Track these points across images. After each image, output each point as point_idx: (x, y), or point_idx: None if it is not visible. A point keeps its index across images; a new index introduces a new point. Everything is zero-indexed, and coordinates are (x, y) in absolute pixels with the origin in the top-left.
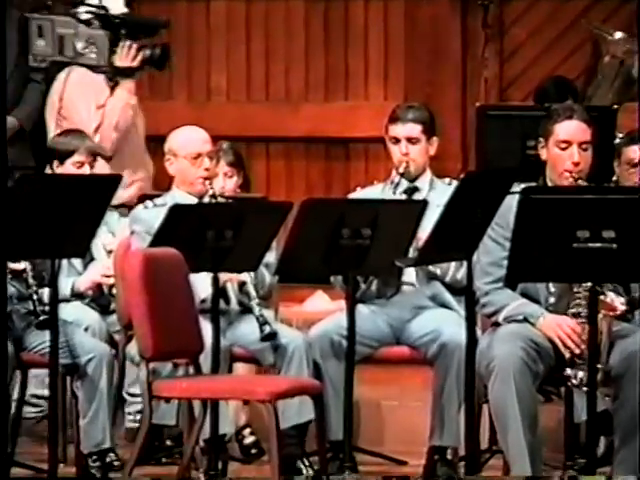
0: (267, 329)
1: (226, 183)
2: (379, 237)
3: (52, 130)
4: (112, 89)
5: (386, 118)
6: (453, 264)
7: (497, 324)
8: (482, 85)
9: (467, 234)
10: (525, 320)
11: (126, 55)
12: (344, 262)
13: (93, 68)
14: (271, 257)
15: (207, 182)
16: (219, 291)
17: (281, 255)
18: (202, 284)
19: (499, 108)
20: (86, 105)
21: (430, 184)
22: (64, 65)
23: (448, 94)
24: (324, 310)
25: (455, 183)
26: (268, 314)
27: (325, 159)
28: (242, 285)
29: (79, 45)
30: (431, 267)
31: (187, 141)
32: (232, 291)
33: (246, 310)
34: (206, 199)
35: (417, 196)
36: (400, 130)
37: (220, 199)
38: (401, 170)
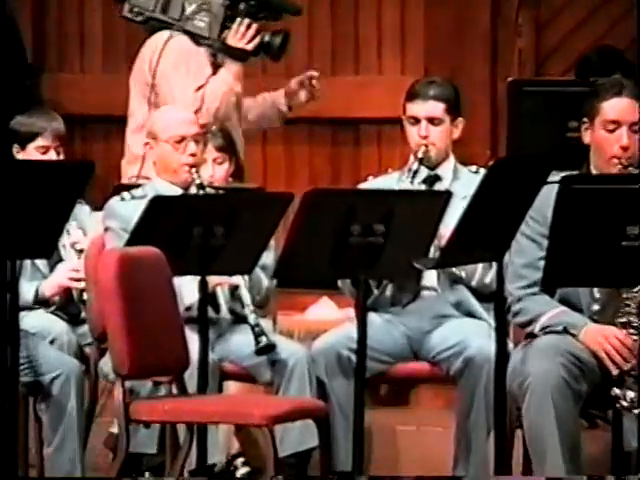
0: (263, 341)
1: (215, 171)
2: (394, 234)
3: (137, 108)
4: (214, 69)
5: (403, 95)
6: (481, 266)
7: (532, 335)
8: (515, 57)
9: (497, 231)
10: (565, 331)
11: (242, 35)
12: (353, 263)
13: (199, 39)
14: (268, 258)
15: (193, 170)
16: (207, 297)
17: (280, 255)
18: (188, 289)
19: (535, 83)
20: (183, 83)
21: (454, 172)
22: (163, 27)
23: (475, 67)
24: (330, 319)
25: (483, 171)
26: (265, 324)
27: (331, 143)
28: (234, 290)
29: (189, 8)
30: (455, 269)
31: (169, 122)
32: (223, 297)
33: (239, 319)
34: (192, 190)
35: (439, 186)
36: (420, 109)
37: (209, 190)
38: (420, 155)
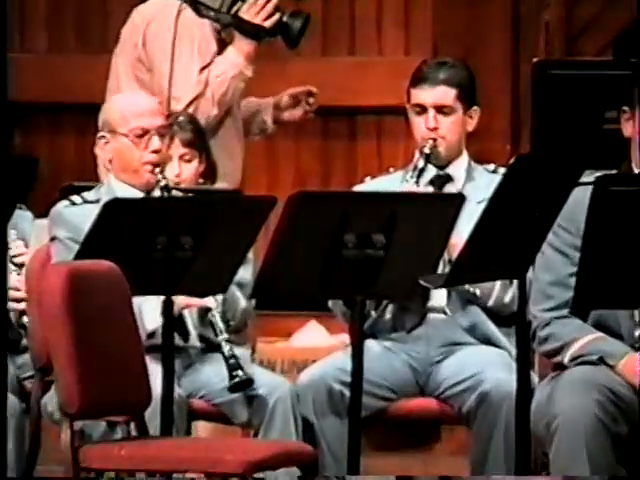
0: (239, 375)
1: (183, 170)
2: (397, 246)
3: (125, 91)
4: (221, 47)
5: (407, 79)
6: (499, 283)
7: (561, 367)
8: (542, 33)
9: (519, 242)
10: (601, 361)
11: (260, 8)
12: (348, 281)
13: (203, 9)
14: (246, 274)
15: (157, 170)
16: (173, 321)
17: (260, 271)
18: (150, 311)
19: (565, 65)
20: (186, 61)
21: (467, 172)
22: None
23: (493, 46)
24: (319, 347)
25: (502, 171)
26: (241, 353)
27: (322, 137)
28: (205, 314)
29: None
30: (469, 287)
31: (129, 112)
32: (192, 321)
33: (211, 347)
34: (156, 193)
35: (449, 188)
36: (427, 95)
37: (175, 192)
38: (427, 151)
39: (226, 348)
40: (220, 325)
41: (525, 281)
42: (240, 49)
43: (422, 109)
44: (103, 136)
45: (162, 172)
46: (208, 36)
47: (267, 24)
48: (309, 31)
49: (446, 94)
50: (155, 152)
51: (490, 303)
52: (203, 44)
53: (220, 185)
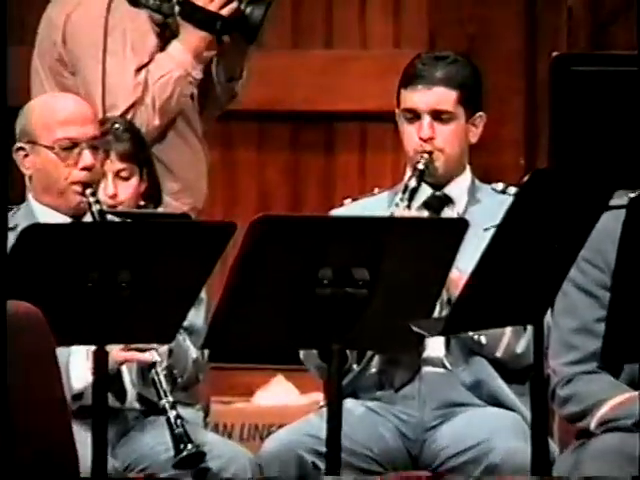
0: (188, 448)
1: (119, 190)
2: (383, 283)
3: (39, 89)
4: (163, 42)
5: (397, 78)
6: (510, 329)
7: (587, 434)
8: (563, 21)
9: (534, 279)
10: (637, 427)
11: None
12: (322, 326)
13: None
14: (198, 318)
15: (88, 191)
16: (107, 379)
17: (215, 314)
18: (78, 366)
19: (591, 60)
20: (118, 61)
21: (471, 192)
22: None
23: (503, 37)
24: (287, 408)
25: (514, 191)
26: (191, 416)
27: (291, 148)
28: (148, 370)
29: None
30: (473, 334)
31: (53, 118)
32: (130, 379)
33: (152, 410)
34: (86, 218)
35: (448, 212)
36: (421, 98)
37: (110, 217)
38: (421, 166)
39: (172, 414)
40: (165, 386)
41: (542, 327)
42: (187, 44)
43: (415, 115)
44: (21, 148)
45: (94, 194)
46: (144, 28)
47: (224, 12)
48: (277, 18)
49: (445, 97)
50: (86, 169)
51: (499, 354)
52: (138, 39)
53: (188, 201)
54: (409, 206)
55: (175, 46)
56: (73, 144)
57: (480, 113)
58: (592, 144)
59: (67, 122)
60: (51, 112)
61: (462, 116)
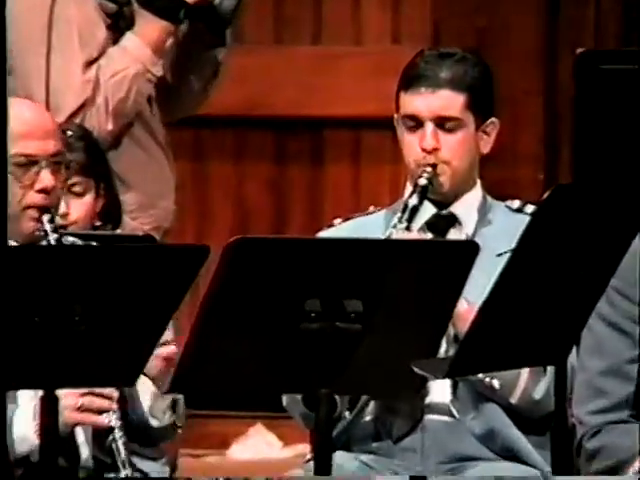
0: None
1: (71, 207)
2: (380, 317)
3: None
4: (117, 34)
5: (396, 79)
6: (526, 371)
7: None
8: (589, 13)
9: (556, 312)
10: None
11: None
12: (309, 367)
13: None
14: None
15: (45, 217)
16: (57, 438)
17: (184, 353)
18: (22, 426)
19: (622, 57)
20: (64, 56)
21: (481, 211)
22: None
23: (519, 31)
24: (268, 462)
25: (532, 210)
26: (155, 473)
27: (275, 159)
28: (105, 434)
29: None
30: (484, 376)
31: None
32: (84, 438)
33: (109, 468)
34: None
35: (455, 234)
36: (424, 103)
37: (66, 239)
38: (423, 181)
39: (125, 470)
40: (123, 455)
41: (566, 370)
42: (145, 36)
43: (417, 122)
44: None
45: (52, 220)
46: (92, 18)
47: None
48: (258, 9)
49: (451, 101)
50: (44, 191)
51: (514, 400)
52: (86, 29)
53: (147, 220)
54: (409, 227)
55: (131, 39)
56: (30, 161)
57: (492, 119)
58: (622, 155)
59: (23, 135)
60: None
61: (471, 123)
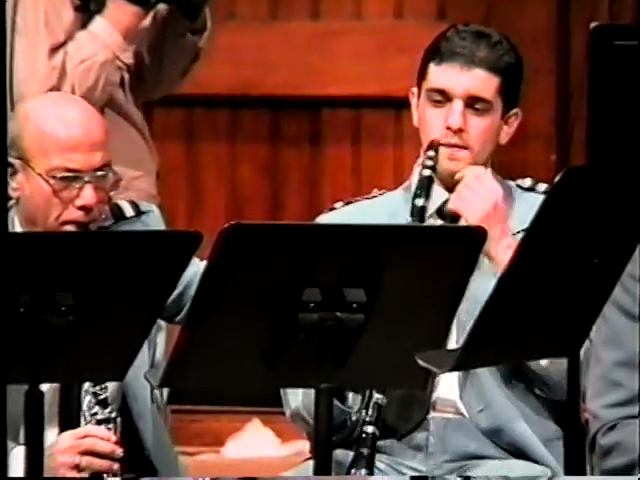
0: None
1: None
2: (384, 307)
3: None
4: (85, 18)
5: (398, 55)
6: (545, 363)
7: None
8: None
9: (569, 300)
10: None
11: None
12: (307, 361)
13: None
14: (157, 350)
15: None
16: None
17: (176, 346)
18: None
19: (638, 33)
20: (29, 41)
21: None
22: None
23: (530, 5)
24: (265, 461)
25: (544, 188)
26: None
27: (270, 141)
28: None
29: None
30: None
31: (50, 139)
32: None
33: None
34: None
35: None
36: (458, 79)
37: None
38: (426, 173)
39: None
40: None
41: (578, 361)
42: (116, 21)
43: (445, 98)
44: (9, 163)
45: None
46: (58, 2)
47: None
48: None
49: (486, 83)
50: (84, 209)
51: (545, 363)
52: (52, 11)
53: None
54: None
55: (100, 23)
56: (73, 177)
57: (516, 110)
58: (639, 135)
59: (69, 148)
60: (51, 130)
61: (499, 109)
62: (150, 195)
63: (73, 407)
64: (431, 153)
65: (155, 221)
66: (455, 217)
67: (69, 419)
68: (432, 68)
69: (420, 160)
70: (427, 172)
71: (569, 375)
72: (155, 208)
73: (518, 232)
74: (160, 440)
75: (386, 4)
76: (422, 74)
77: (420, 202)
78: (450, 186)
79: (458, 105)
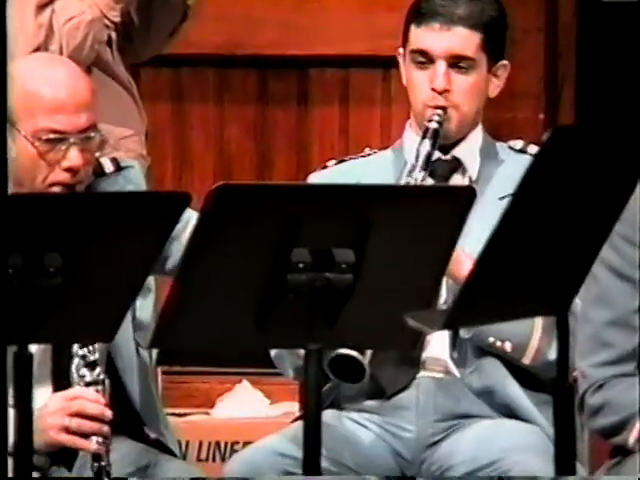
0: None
1: None
2: (373, 267)
3: None
4: None
5: (388, 13)
6: (538, 331)
7: (623, 451)
8: None
9: (558, 259)
10: None
11: None
12: (296, 321)
13: None
14: (144, 311)
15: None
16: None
17: (164, 307)
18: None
19: None
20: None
21: (483, 153)
22: None
23: None
24: (254, 422)
25: (533, 150)
26: None
27: (257, 102)
28: (92, 459)
29: None
30: (494, 340)
31: (36, 99)
32: None
33: None
34: None
35: (458, 179)
36: (438, 39)
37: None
38: (434, 125)
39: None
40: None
41: (567, 320)
42: None
43: (427, 59)
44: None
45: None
46: None
47: None
48: None
49: (467, 40)
50: (71, 170)
51: (527, 361)
52: None
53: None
54: (410, 173)
55: None
56: (59, 138)
57: (503, 62)
58: (628, 95)
59: (55, 109)
60: (37, 91)
61: (484, 65)
62: (140, 155)
63: (64, 368)
64: (439, 111)
65: (136, 176)
66: (446, 176)
67: (61, 380)
68: (413, 30)
69: (427, 114)
70: (434, 125)
71: (559, 334)
72: (136, 164)
73: (507, 196)
74: (146, 393)
75: None
76: (405, 36)
77: (426, 148)
78: (443, 146)
79: (441, 66)
